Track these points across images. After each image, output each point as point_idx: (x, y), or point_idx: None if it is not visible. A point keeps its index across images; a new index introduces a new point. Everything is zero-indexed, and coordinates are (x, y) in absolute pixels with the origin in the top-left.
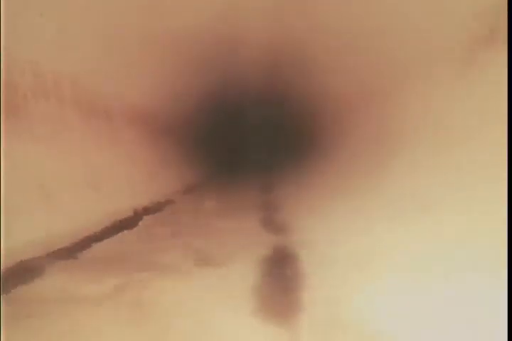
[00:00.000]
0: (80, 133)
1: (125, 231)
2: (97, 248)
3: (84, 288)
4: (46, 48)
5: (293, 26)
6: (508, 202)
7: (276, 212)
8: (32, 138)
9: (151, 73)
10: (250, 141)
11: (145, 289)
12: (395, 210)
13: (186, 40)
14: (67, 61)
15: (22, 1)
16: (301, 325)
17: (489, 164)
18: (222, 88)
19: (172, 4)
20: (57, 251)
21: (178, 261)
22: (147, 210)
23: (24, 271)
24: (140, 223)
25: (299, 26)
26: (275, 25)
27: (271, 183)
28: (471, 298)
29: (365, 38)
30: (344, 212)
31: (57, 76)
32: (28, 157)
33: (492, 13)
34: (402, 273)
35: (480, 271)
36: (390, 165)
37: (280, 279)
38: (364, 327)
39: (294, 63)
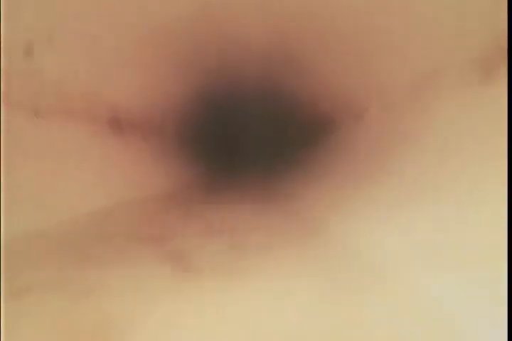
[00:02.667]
0: (79, 134)
1: None
2: None
3: None
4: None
5: (288, 20)
6: (508, 200)
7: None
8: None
9: (140, 72)
10: (244, 140)
11: None
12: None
13: (176, 39)
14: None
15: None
16: None
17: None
18: (214, 87)
19: (161, 2)
20: None
21: None
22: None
23: None
24: None
25: (295, 21)
26: (270, 22)
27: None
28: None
29: (366, 36)
30: (353, 204)
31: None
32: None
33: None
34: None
35: (481, 265)
36: (392, 165)
37: None
38: None
39: (289, 60)
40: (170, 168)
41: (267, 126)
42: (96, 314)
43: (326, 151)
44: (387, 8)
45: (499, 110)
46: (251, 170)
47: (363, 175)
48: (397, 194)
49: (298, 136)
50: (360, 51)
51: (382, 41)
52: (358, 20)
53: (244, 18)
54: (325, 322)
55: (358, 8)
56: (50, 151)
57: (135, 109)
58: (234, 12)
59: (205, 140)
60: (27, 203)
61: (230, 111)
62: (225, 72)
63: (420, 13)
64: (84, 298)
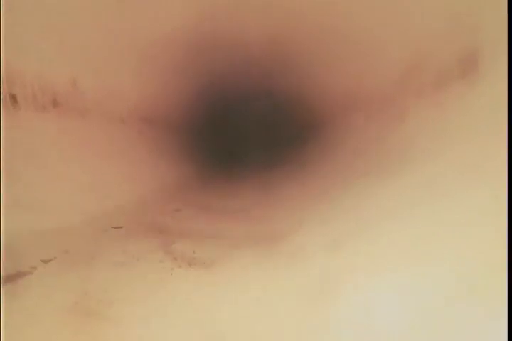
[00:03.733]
0: (80, 134)
1: None
2: None
3: None
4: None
5: (284, 22)
6: (508, 200)
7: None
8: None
9: (141, 73)
10: (239, 142)
11: None
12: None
13: (174, 41)
14: (58, 65)
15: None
16: None
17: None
18: (212, 87)
19: (159, 6)
20: None
21: None
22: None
23: None
24: None
25: (292, 22)
26: (265, 22)
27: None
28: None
29: (361, 34)
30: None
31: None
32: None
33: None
34: (403, 272)
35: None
36: (388, 165)
37: None
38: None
39: (287, 62)
40: (174, 162)
41: (262, 125)
42: None
43: (314, 151)
44: (386, 5)
45: (481, 109)
46: (247, 157)
47: (350, 175)
48: (387, 193)
49: (290, 135)
50: (352, 53)
51: (373, 43)
52: (353, 24)
53: (243, 23)
54: None
55: (353, 13)
56: (65, 144)
57: (143, 110)
58: (234, 16)
59: (206, 137)
60: (29, 198)
61: (228, 111)
62: (225, 76)
63: (421, 9)
64: None
